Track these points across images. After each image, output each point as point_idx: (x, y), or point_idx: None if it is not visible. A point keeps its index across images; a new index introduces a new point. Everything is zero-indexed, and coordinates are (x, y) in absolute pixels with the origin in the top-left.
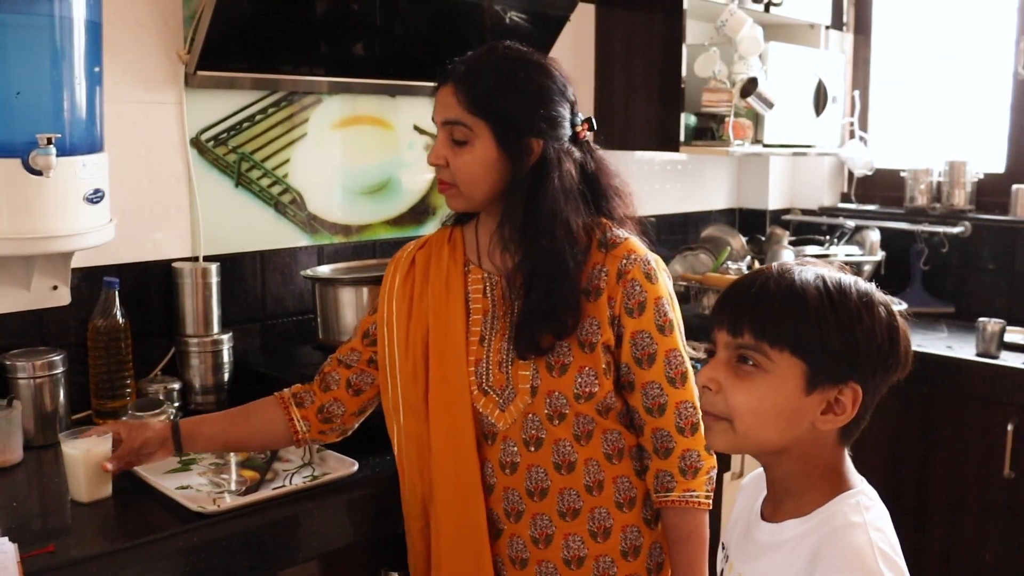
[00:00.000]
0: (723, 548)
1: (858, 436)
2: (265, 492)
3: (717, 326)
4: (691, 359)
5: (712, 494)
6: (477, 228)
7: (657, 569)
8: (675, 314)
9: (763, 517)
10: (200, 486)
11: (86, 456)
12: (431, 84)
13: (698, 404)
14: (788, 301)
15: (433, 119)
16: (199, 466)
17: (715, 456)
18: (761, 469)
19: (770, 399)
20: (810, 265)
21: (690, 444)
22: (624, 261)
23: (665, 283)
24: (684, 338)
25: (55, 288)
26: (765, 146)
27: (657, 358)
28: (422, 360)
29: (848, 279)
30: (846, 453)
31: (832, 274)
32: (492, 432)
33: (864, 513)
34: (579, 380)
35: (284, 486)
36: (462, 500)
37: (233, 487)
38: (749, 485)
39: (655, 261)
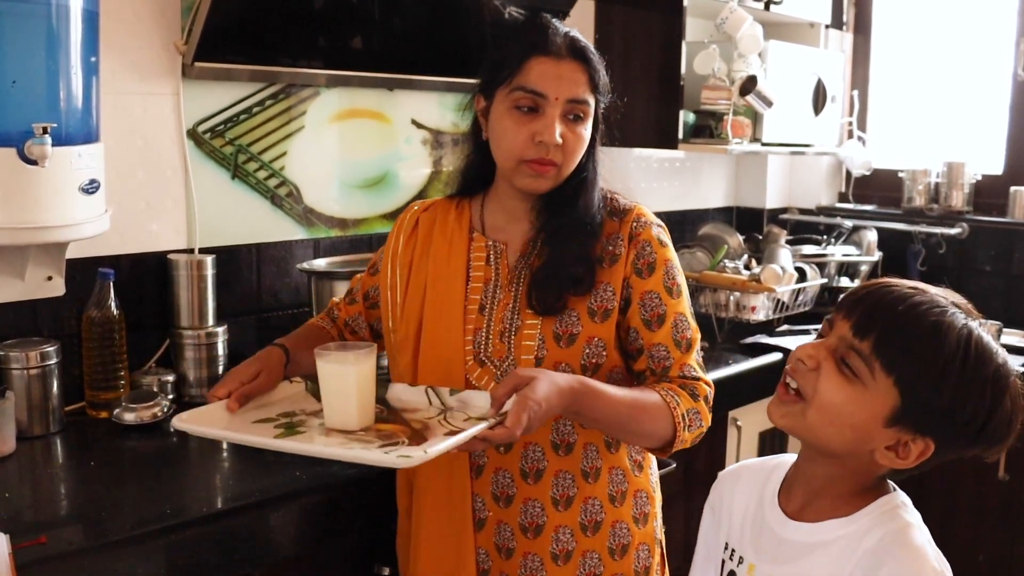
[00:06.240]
0: (727, 548)
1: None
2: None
3: (845, 315)
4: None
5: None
6: (484, 200)
7: (644, 572)
8: (682, 279)
9: (787, 515)
10: None
11: (359, 372)
12: (429, 78)
13: (698, 365)
14: (925, 336)
15: (541, 91)
16: None
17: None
18: (744, 463)
19: (852, 408)
20: (963, 311)
21: (695, 382)
22: (635, 224)
23: (672, 249)
24: (691, 305)
25: (49, 279)
26: (763, 145)
27: (666, 320)
28: (415, 327)
29: (994, 346)
30: None
31: (982, 333)
32: None
33: (912, 514)
34: (587, 351)
35: None
36: (446, 482)
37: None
38: (742, 480)
39: (663, 227)
